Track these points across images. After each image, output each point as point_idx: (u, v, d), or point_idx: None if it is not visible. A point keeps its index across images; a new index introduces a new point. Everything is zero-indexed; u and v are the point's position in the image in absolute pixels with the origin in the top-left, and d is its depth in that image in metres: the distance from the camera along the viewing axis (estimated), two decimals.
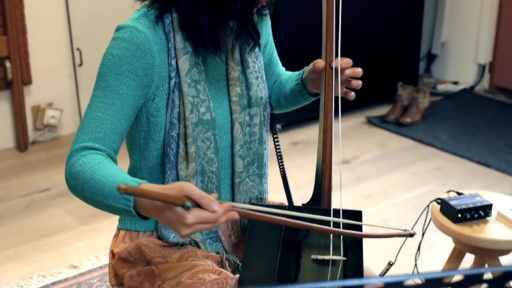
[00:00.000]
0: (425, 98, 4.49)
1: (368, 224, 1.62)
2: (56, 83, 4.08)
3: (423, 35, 4.95)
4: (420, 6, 4.78)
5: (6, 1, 3.72)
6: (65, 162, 1.53)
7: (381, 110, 4.58)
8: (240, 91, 1.70)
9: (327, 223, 1.56)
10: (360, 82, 1.68)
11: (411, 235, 1.58)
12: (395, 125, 4.40)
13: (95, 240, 3.12)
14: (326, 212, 1.59)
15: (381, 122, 4.44)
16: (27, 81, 3.95)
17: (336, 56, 1.62)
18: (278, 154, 1.81)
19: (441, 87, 5.03)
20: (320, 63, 1.63)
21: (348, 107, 4.55)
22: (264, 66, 1.84)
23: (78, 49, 4.07)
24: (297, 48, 4.02)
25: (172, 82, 1.61)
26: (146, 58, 1.57)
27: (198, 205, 1.30)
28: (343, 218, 1.57)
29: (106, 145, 1.53)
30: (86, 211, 3.36)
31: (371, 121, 4.46)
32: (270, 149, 1.84)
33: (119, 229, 1.78)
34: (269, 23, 1.85)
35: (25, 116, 3.97)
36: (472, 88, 5.01)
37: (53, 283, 2.81)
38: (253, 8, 1.59)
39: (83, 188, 1.45)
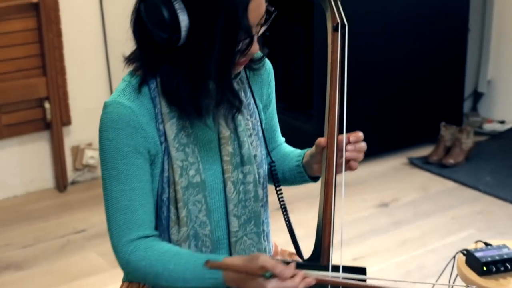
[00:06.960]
0: (469, 138, 4.38)
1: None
2: (95, 124, 4.03)
3: (468, 73, 4.84)
4: (463, 43, 4.68)
5: (45, 42, 3.77)
6: (115, 252, 1.59)
7: (424, 151, 4.48)
8: (232, 150, 1.66)
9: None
10: (357, 165, 1.61)
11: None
12: (437, 167, 4.29)
13: None
14: (326, 268, 1.54)
15: (423, 163, 4.33)
16: (66, 121, 3.99)
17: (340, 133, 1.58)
18: (282, 206, 1.76)
19: (488, 126, 4.91)
20: (321, 141, 1.60)
21: (389, 148, 4.47)
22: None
23: None
24: None
25: (162, 146, 1.59)
26: (138, 132, 1.56)
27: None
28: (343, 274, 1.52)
29: (147, 228, 1.58)
30: None
31: (413, 162, 4.36)
32: (274, 202, 1.78)
33: (123, 281, 1.76)
34: (273, 82, 1.79)
35: (64, 156, 4.00)
36: None
37: None
38: (230, 72, 1.54)
39: (157, 279, 1.54)
